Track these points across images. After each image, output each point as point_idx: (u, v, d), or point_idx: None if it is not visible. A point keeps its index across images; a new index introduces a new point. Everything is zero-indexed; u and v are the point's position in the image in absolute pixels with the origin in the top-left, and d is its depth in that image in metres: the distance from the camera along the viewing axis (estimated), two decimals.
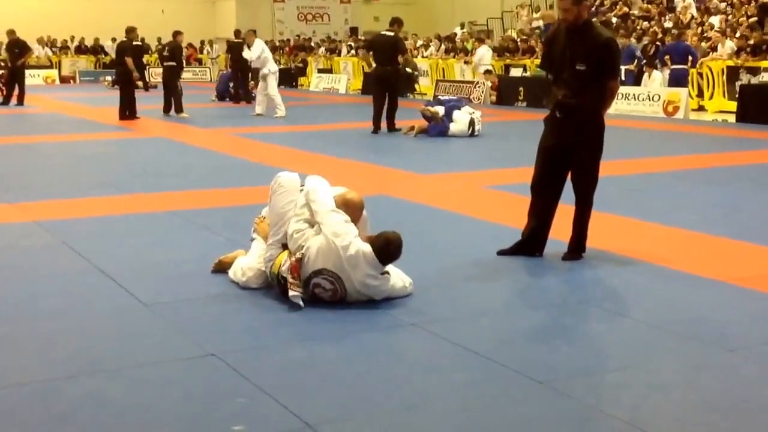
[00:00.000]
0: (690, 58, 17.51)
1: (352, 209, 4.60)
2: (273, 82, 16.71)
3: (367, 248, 4.42)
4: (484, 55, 22.14)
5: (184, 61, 17.40)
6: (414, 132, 13.04)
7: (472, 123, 12.89)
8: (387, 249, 4.45)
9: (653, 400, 3.31)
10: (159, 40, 28.76)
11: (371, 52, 14.58)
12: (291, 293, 4.40)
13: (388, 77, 13.85)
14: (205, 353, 3.78)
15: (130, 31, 16.82)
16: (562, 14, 5.32)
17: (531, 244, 5.51)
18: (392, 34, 14.04)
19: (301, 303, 4.40)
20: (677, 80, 17.29)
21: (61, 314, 4.37)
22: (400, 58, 14.40)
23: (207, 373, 3.58)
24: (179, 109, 16.87)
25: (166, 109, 16.90)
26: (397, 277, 4.61)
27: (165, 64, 17.55)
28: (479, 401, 3.31)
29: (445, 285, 4.91)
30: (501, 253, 5.53)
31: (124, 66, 16.20)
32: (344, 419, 3.14)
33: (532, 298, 4.79)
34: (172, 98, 16.93)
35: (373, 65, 14.33)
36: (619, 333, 4.12)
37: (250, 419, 3.12)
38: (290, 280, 4.44)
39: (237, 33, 20.65)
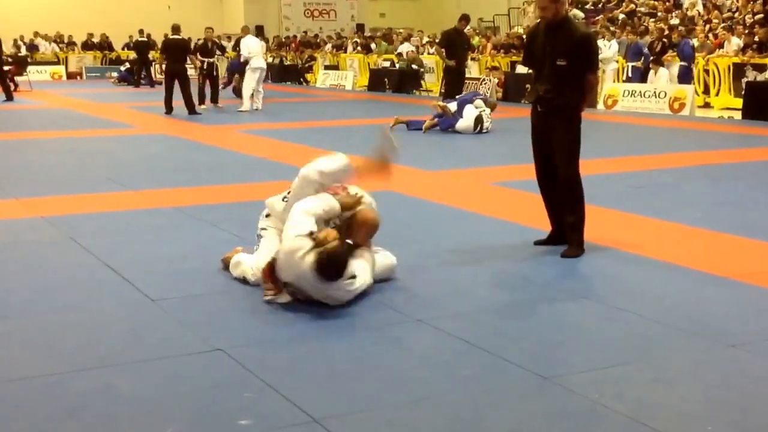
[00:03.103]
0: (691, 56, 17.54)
1: (367, 228, 4.60)
2: (249, 76, 16.93)
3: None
4: (406, 50, 24.73)
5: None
6: (429, 127, 13.01)
7: (479, 120, 12.82)
8: (327, 269, 4.24)
9: (656, 395, 3.33)
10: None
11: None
12: (264, 298, 4.44)
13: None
14: (211, 348, 3.81)
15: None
16: (540, 12, 5.47)
17: (559, 235, 5.63)
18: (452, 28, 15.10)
19: (284, 299, 4.42)
20: (684, 77, 17.28)
21: (69, 309, 4.41)
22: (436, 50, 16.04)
23: (214, 368, 3.61)
24: (215, 101, 17.87)
25: (214, 99, 17.97)
26: (383, 256, 4.67)
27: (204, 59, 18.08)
28: (484, 396, 3.33)
29: (450, 281, 4.93)
30: (537, 243, 5.67)
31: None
32: (350, 413, 3.16)
33: (536, 294, 4.80)
34: (210, 90, 17.92)
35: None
36: (622, 328, 4.14)
37: (257, 413, 3.15)
38: (262, 284, 4.50)
39: (245, 29, 20.69)
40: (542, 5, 5.36)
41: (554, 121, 5.45)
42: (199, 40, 18.75)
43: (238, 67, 20.18)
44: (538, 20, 5.73)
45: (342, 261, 4.28)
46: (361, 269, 4.48)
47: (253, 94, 17.17)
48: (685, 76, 17.35)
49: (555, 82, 5.40)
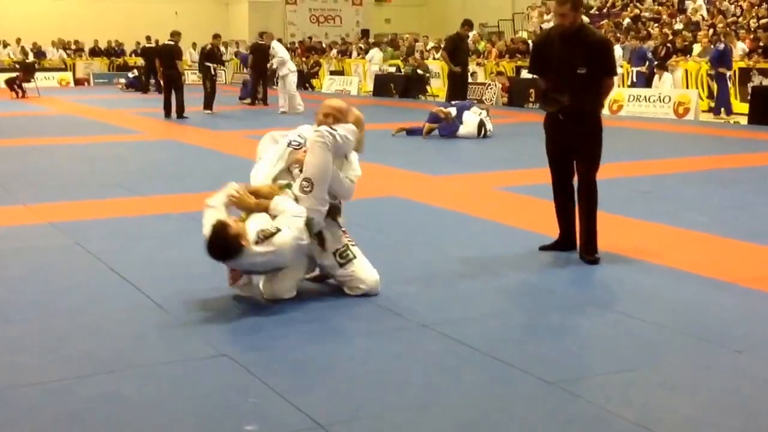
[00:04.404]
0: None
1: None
2: (292, 79, 17.99)
3: None
4: (374, 55, 25.83)
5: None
6: (429, 131, 13.09)
7: (482, 125, 12.91)
8: (208, 250, 4.39)
9: (662, 400, 3.34)
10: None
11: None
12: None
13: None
14: (217, 353, 3.82)
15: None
16: (559, 19, 5.43)
17: (566, 242, 5.64)
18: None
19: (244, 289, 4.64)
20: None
21: (76, 314, 4.43)
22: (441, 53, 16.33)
23: (219, 373, 3.62)
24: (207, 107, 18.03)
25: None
26: (365, 272, 4.66)
27: (206, 64, 18.56)
28: (489, 401, 3.34)
29: (454, 286, 4.93)
30: (543, 248, 5.68)
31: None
32: (355, 419, 3.17)
33: (541, 299, 4.81)
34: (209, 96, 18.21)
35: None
36: (627, 333, 4.14)
37: (262, 419, 3.16)
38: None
39: (261, 35, 20.78)
40: (562, 12, 5.31)
41: (577, 128, 5.40)
42: (206, 45, 18.96)
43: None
44: (547, 27, 5.74)
45: (213, 240, 4.31)
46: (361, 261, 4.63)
47: (280, 99, 18.08)
48: (721, 84, 16.62)
49: (577, 89, 5.34)
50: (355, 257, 4.68)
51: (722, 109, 16.46)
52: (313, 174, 4.55)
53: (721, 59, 16.61)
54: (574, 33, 5.37)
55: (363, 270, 4.67)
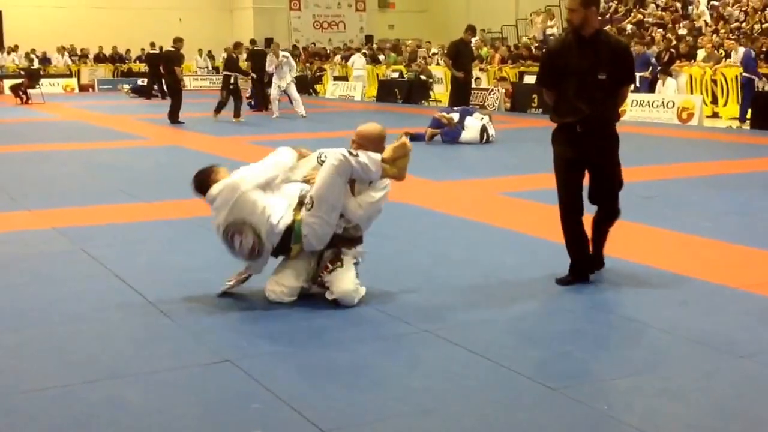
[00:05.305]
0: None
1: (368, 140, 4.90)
2: (294, 86, 18.67)
3: None
4: (356, 60, 26.44)
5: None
6: (431, 137, 13.14)
7: (484, 130, 12.93)
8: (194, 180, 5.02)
9: (665, 406, 3.34)
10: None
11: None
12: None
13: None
14: (220, 359, 3.83)
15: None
16: (568, 14, 5.13)
17: (585, 268, 5.17)
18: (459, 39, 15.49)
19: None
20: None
21: (79, 320, 4.44)
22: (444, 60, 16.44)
23: (222, 379, 3.63)
24: (236, 115, 17.82)
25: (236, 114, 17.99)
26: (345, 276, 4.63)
27: (225, 73, 18.74)
28: (492, 407, 3.34)
29: (458, 291, 4.94)
30: (561, 283, 5.11)
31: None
32: (358, 425, 3.18)
33: (544, 304, 4.81)
34: (237, 104, 18.11)
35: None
36: (631, 339, 4.14)
37: (266, 425, 3.17)
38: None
39: (268, 41, 20.86)
40: (572, 7, 4.97)
41: (597, 140, 5.06)
42: (228, 54, 19.10)
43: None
44: (560, 34, 5.61)
45: (198, 175, 5.09)
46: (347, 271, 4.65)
47: (275, 105, 18.60)
48: (747, 87, 16.29)
49: (597, 97, 5.01)
50: (341, 266, 4.65)
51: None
52: (315, 193, 4.62)
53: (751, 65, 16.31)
54: (592, 36, 5.03)
55: (340, 278, 4.60)
